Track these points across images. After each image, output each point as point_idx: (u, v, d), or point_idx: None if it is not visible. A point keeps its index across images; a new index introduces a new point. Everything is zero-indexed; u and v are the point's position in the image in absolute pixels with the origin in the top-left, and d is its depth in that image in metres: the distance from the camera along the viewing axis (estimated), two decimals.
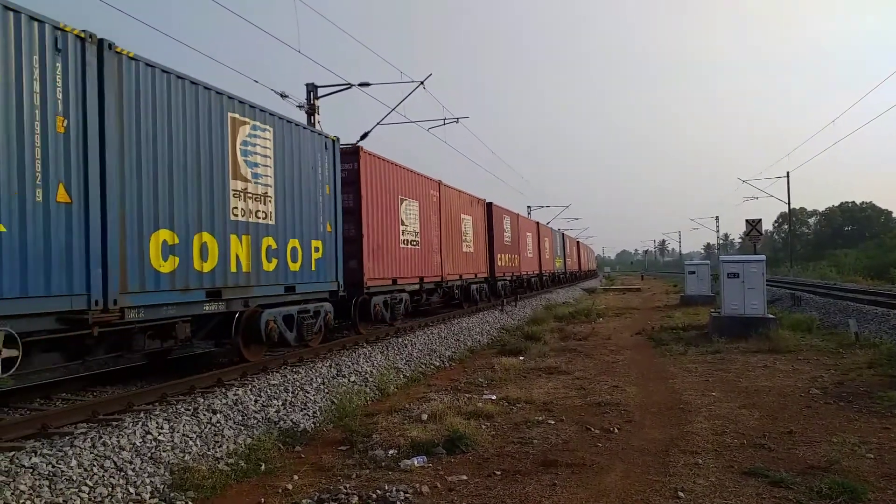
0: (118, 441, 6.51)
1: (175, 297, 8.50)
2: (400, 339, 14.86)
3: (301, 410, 8.97)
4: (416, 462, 6.77)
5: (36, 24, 6.73)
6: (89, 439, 6.42)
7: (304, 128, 12.10)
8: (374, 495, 5.82)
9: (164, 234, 8.34)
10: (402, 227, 16.76)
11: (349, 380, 10.92)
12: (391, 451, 7.14)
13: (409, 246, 17.22)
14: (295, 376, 10.16)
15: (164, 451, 6.62)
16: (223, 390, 8.88)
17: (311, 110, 21.09)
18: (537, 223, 39.55)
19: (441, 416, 8.35)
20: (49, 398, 8.86)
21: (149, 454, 6.49)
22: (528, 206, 60.36)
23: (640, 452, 7.12)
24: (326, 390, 10.03)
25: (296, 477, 6.57)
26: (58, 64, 6.97)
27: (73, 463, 5.90)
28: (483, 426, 8.18)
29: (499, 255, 27.15)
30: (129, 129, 7.89)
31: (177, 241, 8.55)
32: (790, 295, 27.01)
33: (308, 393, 9.68)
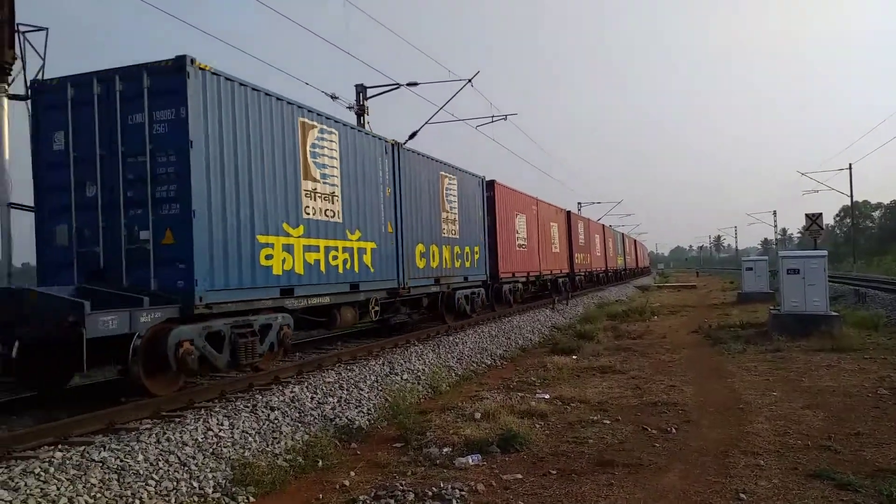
0: (181, 437, 6.70)
1: (424, 281, 14.94)
2: (451, 338, 14.90)
3: (356, 407, 9.09)
4: (470, 460, 6.79)
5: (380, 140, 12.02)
6: (154, 435, 6.62)
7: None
8: (430, 492, 5.85)
9: None
10: (516, 235, 22.59)
11: (402, 377, 11.01)
12: (445, 449, 7.17)
13: (520, 249, 22.99)
14: (349, 374, 10.30)
15: (224, 447, 6.79)
16: (280, 387, 9.06)
17: (361, 111, 21.33)
18: (604, 226, 45.97)
19: (494, 415, 8.35)
20: (115, 395, 9.16)
21: (210, 450, 6.67)
22: (579, 203, 59.77)
23: (698, 453, 6.98)
24: (380, 388, 10.13)
25: (352, 473, 6.67)
26: (387, 160, 12.81)
27: (140, 458, 6.10)
28: (537, 425, 8.14)
29: (577, 255, 33.58)
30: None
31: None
32: (854, 291, 26.04)
33: (362, 390, 9.79)
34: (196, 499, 5.82)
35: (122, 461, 5.96)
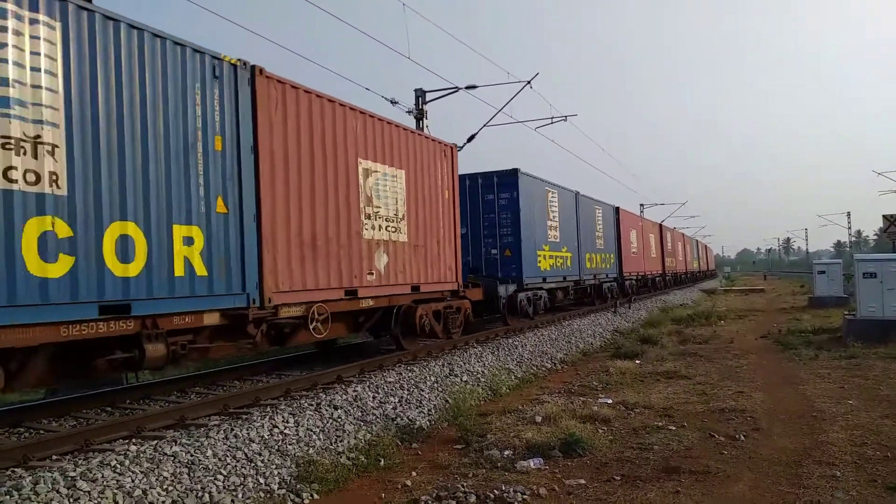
0: (248, 433, 6.87)
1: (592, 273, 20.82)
2: (510, 340, 14.83)
3: (416, 408, 9.14)
4: (532, 464, 6.73)
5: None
6: (222, 431, 6.81)
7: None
8: (492, 495, 5.83)
9: None
10: (631, 245, 30.53)
11: (461, 379, 11.01)
12: (507, 452, 7.13)
13: (633, 255, 30.54)
14: (410, 374, 10.36)
15: (289, 444, 6.93)
16: (343, 386, 9.19)
17: (420, 115, 21.44)
18: (674, 229, 49.16)
19: (555, 419, 8.26)
20: (184, 392, 9.48)
21: (276, 447, 6.81)
22: (641, 205, 58.34)
23: (769, 462, 6.74)
24: (440, 389, 10.16)
25: (414, 473, 6.70)
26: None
27: (209, 453, 6.28)
28: (600, 430, 8.01)
29: (667, 259, 40.65)
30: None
31: None
32: None
33: (422, 391, 9.84)
34: (262, 495, 5.95)
35: (192, 456, 6.14)
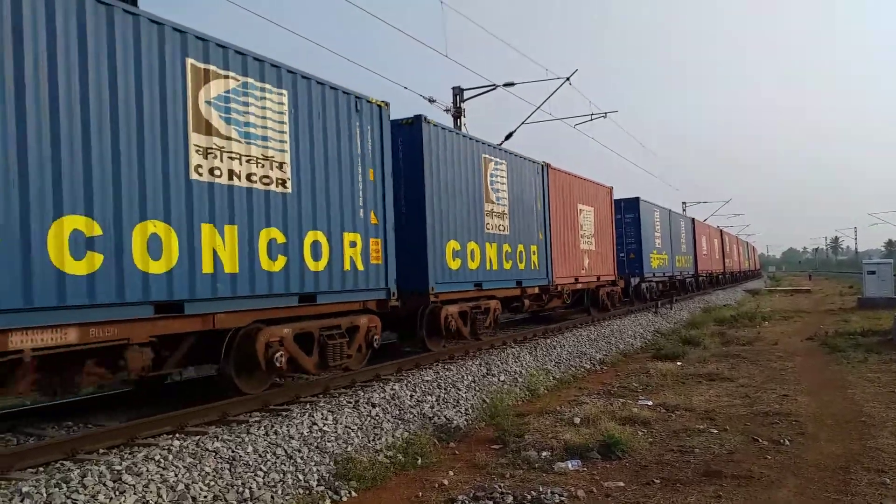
0: (288, 430, 6.96)
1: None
2: (548, 340, 14.74)
3: (453, 407, 9.14)
4: (570, 465, 6.68)
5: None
6: (263, 427, 6.91)
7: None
8: (529, 496, 5.80)
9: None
10: (702, 248, 37.83)
11: (499, 379, 10.98)
12: (544, 453, 7.09)
13: (704, 256, 37.72)
14: (447, 373, 10.37)
15: (328, 442, 7.00)
16: (381, 384, 9.25)
17: (458, 113, 21.43)
18: (717, 228, 51.98)
19: (594, 421, 8.17)
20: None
21: (315, 444, 6.88)
22: (683, 203, 57.63)
23: (815, 467, 6.57)
24: (477, 388, 10.15)
25: (451, 473, 6.70)
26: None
27: (250, 449, 6.38)
28: (639, 432, 7.90)
29: (727, 259, 48.87)
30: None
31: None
32: None
33: (459, 390, 9.84)
34: (301, 491, 6.02)
35: (233, 452, 6.25)
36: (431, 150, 11.46)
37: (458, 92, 21.47)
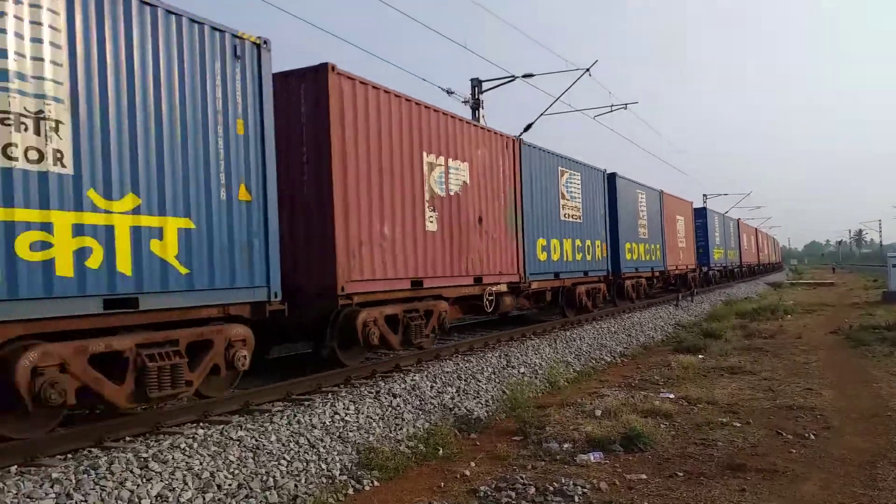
0: (310, 420, 7.00)
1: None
2: (568, 333, 14.69)
3: (474, 398, 9.15)
4: (592, 457, 6.66)
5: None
6: (285, 417, 6.96)
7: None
8: (552, 488, 5.80)
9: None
10: (743, 244, 45.43)
11: (519, 371, 10.98)
12: (566, 445, 7.08)
13: (745, 250, 46.72)
14: (467, 364, 10.38)
15: (350, 431, 7.04)
16: (402, 375, 9.28)
17: (476, 105, 21.36)
18: (767, 233, 62.23)
19: (616, 413, 8.14)
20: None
21: (337, 433, 6.92)
22: (704, 195, 56.54)
23: (840, 462, 6.50)
24: (497, 380, 10.15)
25: (472, 464, 6.72)
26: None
27: (273, 438, 6.43)
28: (661, 425, 7.86)
29: (760, 253, 58.20)
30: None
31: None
32: None
33: (480, 382, 9.85)
34: (324, 480, 6.07)
35: (257, 440, 6.30)
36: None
37: (476, 83, 21.39)
